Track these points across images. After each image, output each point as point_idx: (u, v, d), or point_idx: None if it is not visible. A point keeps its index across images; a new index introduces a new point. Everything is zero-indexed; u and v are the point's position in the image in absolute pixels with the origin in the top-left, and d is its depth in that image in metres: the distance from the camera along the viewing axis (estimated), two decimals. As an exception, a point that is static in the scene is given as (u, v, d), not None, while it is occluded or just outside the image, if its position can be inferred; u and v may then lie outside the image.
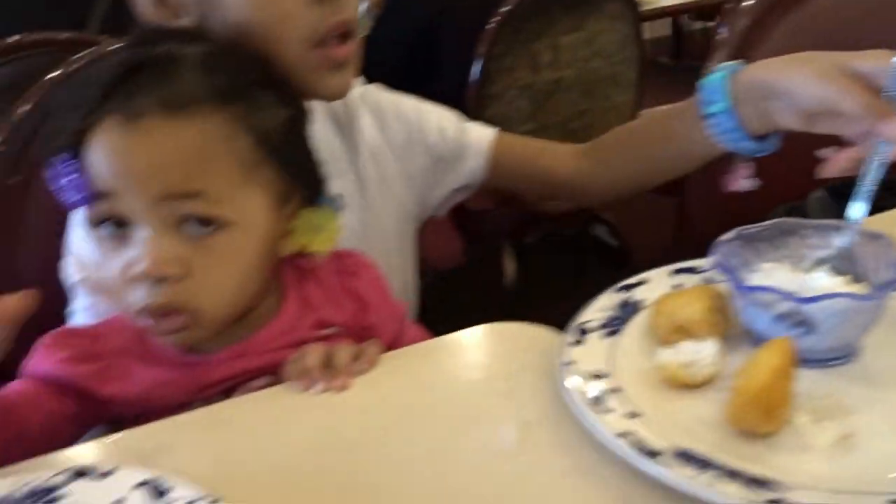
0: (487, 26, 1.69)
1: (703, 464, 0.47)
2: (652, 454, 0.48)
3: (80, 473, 0.53)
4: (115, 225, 0.61)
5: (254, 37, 0.69)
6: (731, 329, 0.62)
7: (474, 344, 0.70)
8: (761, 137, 0.76)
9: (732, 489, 0.44)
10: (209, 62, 0.63)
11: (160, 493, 0.50)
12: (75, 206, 0.61)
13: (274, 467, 0.56)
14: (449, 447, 0.56)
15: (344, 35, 0.73)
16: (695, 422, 0.53)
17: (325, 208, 0.70)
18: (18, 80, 1.43)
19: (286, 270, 0.74)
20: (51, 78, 0.98)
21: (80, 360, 0.66)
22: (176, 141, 0.59)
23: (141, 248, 0.60)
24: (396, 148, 0.92)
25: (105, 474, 0.53)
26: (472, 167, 0.93)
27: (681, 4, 2.90)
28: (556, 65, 1.85)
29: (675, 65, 5.33)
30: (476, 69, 1.74)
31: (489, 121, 1.84)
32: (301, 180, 0.68)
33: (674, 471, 0.46)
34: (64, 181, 0.60)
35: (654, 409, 0.54)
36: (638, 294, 0.68)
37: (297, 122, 0.69)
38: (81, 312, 0.83)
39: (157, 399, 0.66)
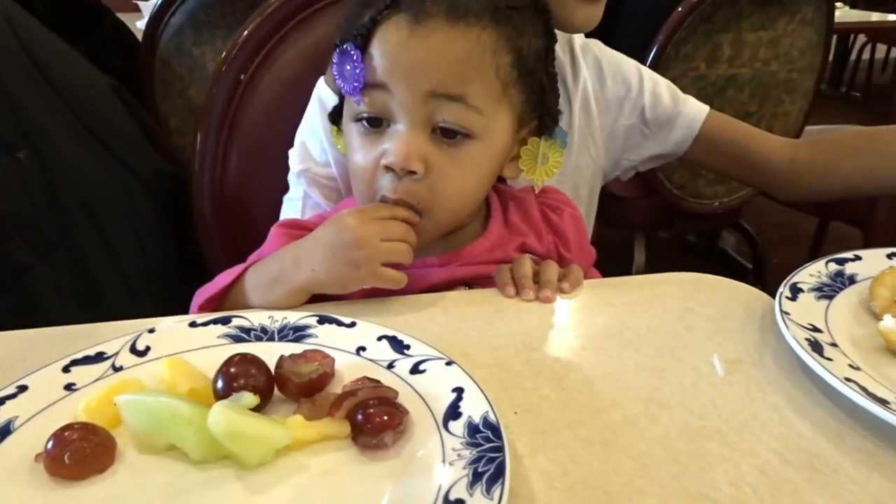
0: (676, 9, 1.67)
1: (932, 418, 0.48)
2: (881, 401, 0.49)
3: (327, 320, 0.60)
4: (374, 120, 0.67)
5: None
6: (952, 315, 0.61)
7: (677, 286, 0.72)
8: None
9: (970, 444, 0.45)
10: None
11: (401, 346, 0.56)
12: (351, 92, 0.66)
13: (495, 354, 0.60)
14: (659, 367, 0.58)
15: None
16: (915, 387, 0.53)
17: (553, 140, 0.74)
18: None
19: (493, 195, 0.79)
20: (272, 3, 1.07)
21: None
22: (453, 45, 0.64)
23: (395, 142, 0.66)
24: (608, 104, 0.95)
25: (350, 325, 0.59)
26: (678, 138, 0.95)
27: (876, 23, 2.72)
28: (734, 61, 1.81)
29: (833, 93, 5.08)
30: (653, 51, 1.73)
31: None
32: (540, 108, 0.72)
33: (905, 418, 0.47)
34: (346, 68, 0.66)
35: (874, 370, 0.55)
36: (852, 268, 0.68)
37: (549, 53, 0.72)
38: (296, 202, 0.91)
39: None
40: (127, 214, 1.07)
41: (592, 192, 0.99)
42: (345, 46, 0.65)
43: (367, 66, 0.65)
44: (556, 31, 0.74)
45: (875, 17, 2.71)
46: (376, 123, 0.67)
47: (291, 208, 0.92)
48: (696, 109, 0.95)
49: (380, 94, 0.66)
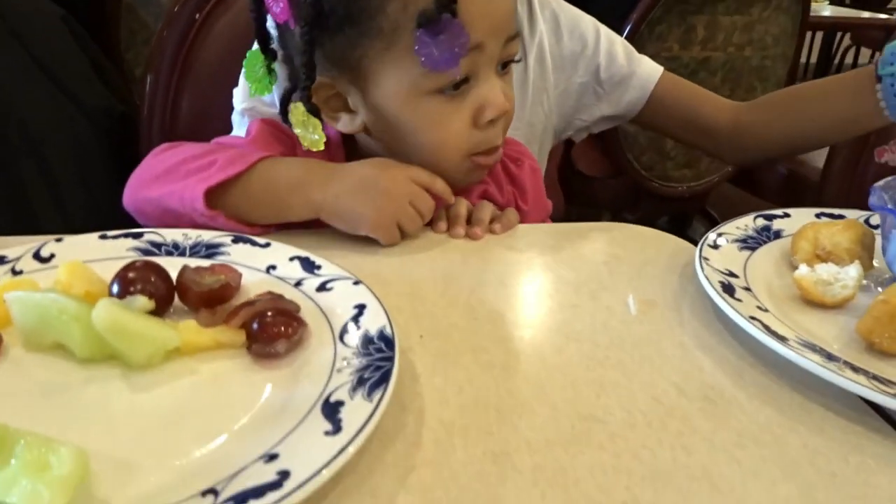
0: (651, -13, 1.66)
1: (828, 356, 0.48)
2: (780, 338, 0.49)
3: (242, 240, 0.59)
4: (459, 83, 0.64)
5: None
6: (870, 270, 0.62)
7: (607, 234, 0.72)
8: None
9: (861, 379, 0.45)
10: None
11: (312, 266, 0.55)
12: (448, 63, 0.61)
13: (412, 284, 0.60)
14: (577, 306, 0.58)
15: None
16: (821, 332, 0.54)
17: None
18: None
19: None
20: None
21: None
22: None
23: (492, 93, 0.65)
24: (563, 60, 0.94)
25: (265, 245, 0.58)
26: (631, 98, 0.94)
27: (852, 18, 2.72)
28: (708, 44, 1.81)
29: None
30: (627, 29, 1.73)
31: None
32: None
33: (802, 354, 0.47)
34: (441, 40, 0.60)
35: (782, 314, 0.55)
36: (779, 224, 0.68)
37: None
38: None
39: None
40: (71, 148, 1.05)
41: (542, 149, 0.98)
42: (442, 18, 0.59)
43: (465, 31, 0.60)
44: None
45: (865, 14, 2.70)
46: (459, 84, 0.65)
47: None
48: (649, 71, 0.95)
49: (471, 55, 0.63)
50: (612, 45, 0.95)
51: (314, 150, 0.68)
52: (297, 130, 0.68)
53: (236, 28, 1.07)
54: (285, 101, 0.69)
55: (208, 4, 1.06)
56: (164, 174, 0.66)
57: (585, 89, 0.96)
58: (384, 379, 0.41)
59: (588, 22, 0.95)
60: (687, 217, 2.72)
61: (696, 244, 0.69)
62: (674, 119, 0.97)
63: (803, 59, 4.63)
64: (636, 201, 2.09)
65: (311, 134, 0.67)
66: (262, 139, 0.72)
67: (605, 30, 0.96)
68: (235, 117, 0.90)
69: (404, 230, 0.66)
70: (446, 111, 0.66)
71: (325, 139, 0.67)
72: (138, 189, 0.68)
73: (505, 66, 0.68)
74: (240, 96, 0.88)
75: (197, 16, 1.06)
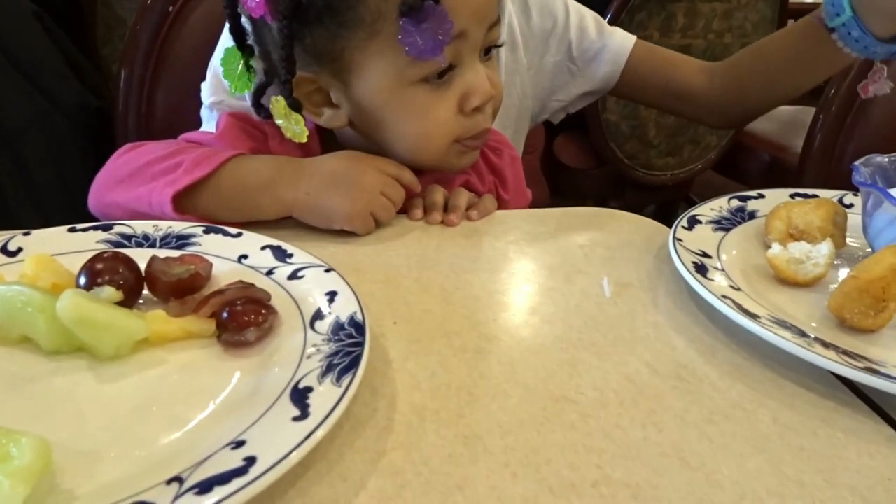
0: (629, -25, 1.66)
1: (800, 332, 0.48)
2: (752, 316, 0.49)
3: (213, 230, 0.58)
4: (444, 72, 0.64)
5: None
6: (843, 249, 0.62)
7: (582, 219, 0.72)
8: (892, 39, 0.75)
9: (831, 354, 0.45)
10: None
11: (284, 254, 0.55)
12: (433, 51, 0.60)
13: (386, 272, 0.60)
14: (552, 289, 0.58)
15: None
16: (793, 309, 0.54)
17: None
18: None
19: None
20: None
21: (260, 153, 0.70)
22: None
23: (477, 80, 0.65)
24: (533, 39, 0.93)
25: (236, 235, 0.58)
26: (605, 72, 0.93)
27: None
28: (688, 31, 1.81)
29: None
30: (608, 17, 1.73)
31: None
32: None
33: (773, 331, 0.47)
34: (424, 27, 0.59)
35: (755, 292, 0.55)
36: (753, 205, 0.68)
37: None
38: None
39: None
40: (46, 145, 1.04)
41: (518, 133, 0.98)
42: (423, 6, 0.58)
43: (448, 18, 0.60)
44: None
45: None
46: (444, 72, 0.64)
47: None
48: (621, 42, 0.94)
49: (454, 44, 0.62)
50: (583, 20, 0.94)
51: (297, 141, 0.67)
52: (279, 122, 0.67)
53: (211, 19, 1.06)
54: (258, 95, 0.68)
55: (182, -3, 1.05)
56: (129, 177, 0.65)
57: (559, 68, 0.95)
58: (354, 364, 0.41)
59: (566, 3, 0.94)
60: (672, 206, 2.74)
61: (652, 223, 0.69)
62: (650, 88, 0.96)
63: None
64: (621, 191, 2.10)
65: (293, 126, 0.66)
66: (231, 134, 0.71)
67: (574, 4, 0.95)
68: (204, 112, 0.89)
69: (378, 219, 0.66)
70: (432, 100, 0.65)
71: (307, 132, 0.66)
72: (104, 193, 0.67)
73: (488, 51, 0.68)
74: (208, 90, 0.87)
75: (170, 8, 1.05)
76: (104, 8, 1.62)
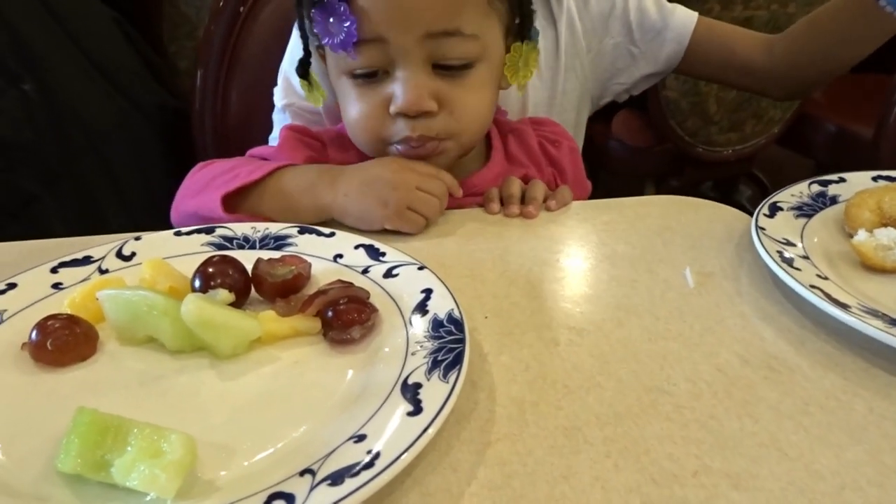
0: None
1: (892, 321, 0.49)
2: (842, 305, 0.50)
3: (307, 231, 0.61)
4: (371, 70, 0.66)
5: None
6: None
7: (659, 208, 0.72)
8: None
9: (925, 343, 0.46)
10: None
11: (376, 253, 0.57)
12: (343, 48, 0.64)
13: (471, 266, 0.62)
14: (635, 280, 0.59)
15: None
16: (883, 297, 0.54)
17: (530, 42, 0.73)
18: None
19: (492, 127, 0.79)
20: None
21: (315, 162, 0.74)
22: None
23: (402, 87, 0.65)
24: (593, 22, 0.93)
25: (329, 235, 0.61)
26: (669, 52, 0.92)
27: None
28: (750, 2, 1.77)
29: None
30: (666, -8, 1.70)
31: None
32: (520, 11, 0.72)
33: (864, 321, 0.48)
34: (331, 22, 0.64)
35: (842, 280, 0.55)
36: (834, 189, 0.68)
37: None
38: None
39: None
40: (129, 144, 1.09)
41: (580, 116, 0.98)
42: (327, 1, 0.63)
43: (358, 19, 0.63)
44: None
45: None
46: (372, 75, 0.67)
47: None
48: (684, 19, 0.92)
49: (374, 46, 0.64)
50: (642, 0, 0.93)
51: (315, 105, 0.76)
52: (303, 92, 0.75)
53: (280, 17, 1.09)
54: (299, 68, 0.75)
55: (251, -3, 1.08)
56: (199, 191, 0.70)
57: (620, 51, 0.94)
58: (457, 360, 0.44)
59: None
60: (732, 181, 2.68)
61: (742, 208, 0.69)
62: (713, 64, 0.94)
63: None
64: (681, 168, 2.07)
65: (313, 93, 0.75)
66: (289, 145, 0.75)
67: None
68: (277, 115, 0.93)
69: (421, 213, 0.67)
70: (358, 94, 0.68)
71: (325, 96, 0.75)
72: (180, 207, 0.72)
73: (447, 68, 0.66)
74: (280, 94, 0.91)
75: (241, 8, 1.08)
76: (169, 6, 1.67)
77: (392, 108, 0.66)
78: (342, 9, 0.63)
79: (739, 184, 2.79)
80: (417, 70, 0.65)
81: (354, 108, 0.69)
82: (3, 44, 1.00)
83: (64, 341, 0.47)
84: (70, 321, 0.48)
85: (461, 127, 0.68)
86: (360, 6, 0.63)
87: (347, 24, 0.63)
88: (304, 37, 0.74)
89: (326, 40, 0.65)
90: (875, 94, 2.19)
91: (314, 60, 0.76)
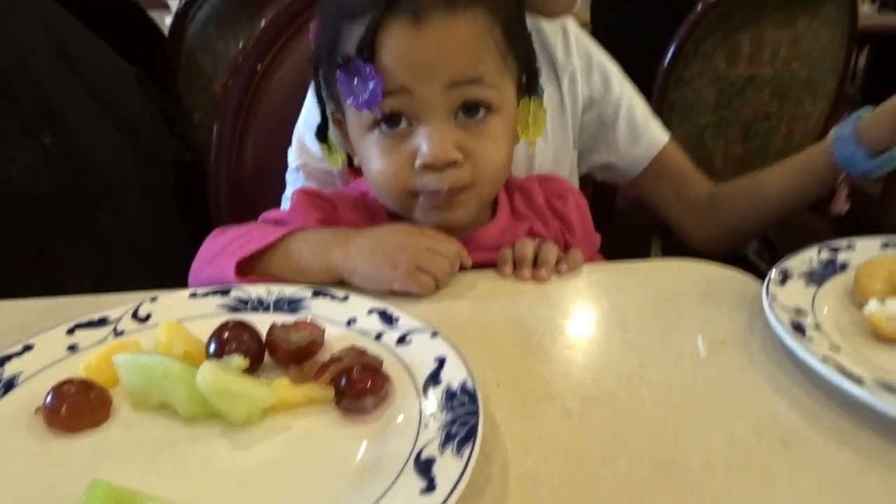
0: (695, 7, 1.67)
1: (907, 398, 0.48)
2: (856, 379, 0.49)
3: (321, 293, 0.62)
4: (394, 121, 0.67)
5: None
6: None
7: (669, 272, 0.73)
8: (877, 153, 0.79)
9: (939, 420, 0.45)
10: None
11: (389, 318, 0.58)
12: (368, 105, 0.65)
13: (484, 331, 0.62)
14: (644, 346, 0.59)
15: None
16: (895, 367, 0.54)
17: (537, 98, 0.75)
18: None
19: None
20: None
21: (327, 224, 0.76)
22: (460, 32, 0.65)
23: (428, 139, 0.66)
24: (590, 93, 0.96)
25: (343, 298, 0.61)
26: (637, 155, 0.96)
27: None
28: (754, 60, 1.80)
29: (862, 99, 4.99)
30: (672, 49, 1.73)
31: (672, 105, 1.83)
32: (527, 70, 0.74)
33: (879, 396, 0.47)
34: (356, 83, 0.65)
35: (855, 351, 0.55)
36: (844, 256, 0.68)
37: (523, 14, 0.74)
38: None
39: None
40: (145, 198, 1.11)
41: (573, 165, 0.99)
42: (351, 63, 0.64)
43: (382, 75, 0.64)
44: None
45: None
46: (395, 123, 0.68)
47: None
48: (658, 133, 0.97)
49: (399, 98, 0.66)
50: (634, 98, 0.98)
51: (334, 167, 0.78)
52: (318, 153, 0.78)
53: (297, 73, 1.12)
54: (319, 132, 0.77)
55: (269, 54, 1.11)
56: (213, 257, 0.71)
57: (602, 130, 0.98)
58: (471, 434, 0.44)
59: (616, 72, 0.98)
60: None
61: (749, 262, 0.70)
62: (666, 189, 0.98)
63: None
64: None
65: (332, 156, 0.77)
66: (301, 208, 0.77)
67: (628, 85, 0.99)
68: (290, 175, 0.94)
69: (432, 273, 0.67)
70: (384, 148, 0.69)
71: (343, 157, 0.77)
72: (198, 273, 0.73)
73: (470, 112, 0.68)
74: (294, 154, 0.92)
75: (259, 66, 1.11)
76: (187, 59, 1.71)
77: (418, 162, 0.67)
78: (367, 70, 0.64)
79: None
80: (440, 122, 0.67)
81: (379, 163, 0.70)
82: (26, 98, 1.03)
83: (78, 407, 0.47)
84: (85, 386, 0.49)
85: (483, 176, 0.69)
86: (384, 65, 0.64)
87: (372, 83, 0.64)
88: (321, 102, 0.76)
89: (351, 100, 0.66)
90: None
91: (330, 125, 0.78)
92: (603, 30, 2.10)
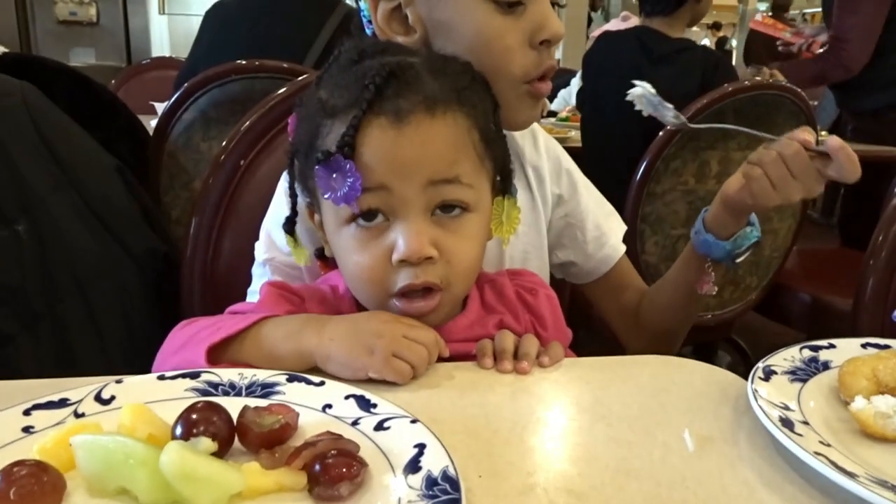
0: (665, 127, 1.74)
1: (903, 494, 0.47)
2: (850, 475, 0.48)
3: (296, 379, 0.60)
4: (371, 215, 0.68)
5: (473, 63, 0.76)
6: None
7: (651, 367, 0.72)
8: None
9: (940, 517, 0.44)
10: (435, 69, 0.70)
11: (367, 404, 0.56)
12: (348, 201, 0.66)
13: (465, 423, 0.60)
14: (632, 443, 0.57)
15: (546, 75, 0.84)
16: (888, 467, 0.52)
17: (511, 197, 0.77)
18: (242, 96, 1.65)
19: None
20: (275, 97, 1.13)
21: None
22: (439, 134, 0.67)
23: (405, 235, 0.66)
24: (559, 192, 1.00)
25: (319, 384, 0.59)
26: (602, 257, 1.01)
27: (858, 152, 2.74)
28: (722, 177, 1.87)
29: (826, 222, 5.19)
30: (643, 165, 1.80)
31: (644, 218, 1.88)
32: (502, 170, 0.76)
33: (875, 492, 0.46)
34: (334, 177, 0.66)
35: (844, 447, 0.54)
36: (826, 355, 0.68)
37: (498, 119, 0.76)
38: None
39: None
40: (115, 291, 1.08)
41: (544, 264, 1.00)
42: (332, 158, 0.65)
43: (361, 172, 0.65)
44: None
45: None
46: (372, 218, 0.68)
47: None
48: (619, 243, 1.03)
49: (377, 195, 0.67)
50: (603, 204, 1.04)
51: (300, 263, 0.79)
52: (285, 248, 0.80)
53: (278, 170, 1.12)
54: (286, 226, 0.78)
55: (252, 152, 1.13)
56: (181, 347, 0.70)
57: (569, 229, 1.01)
58: (453, 522, 0.41)
59: (582, 176, 1.03)
60: (712, 346, 2.70)
61: (724, 373, 0.69)
62: (610, 295, 1.04)
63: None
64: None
65: (296, 249, 0.78)
66: (270, 300, 0.76)
67: (595, 190, 1.05)
68: (257, 269, 0.93)
69: (408, 361, 0.65)
70: (361, 240, 0.69)
71: (307, 254, 0.79)
72: (163, 363, 0.71)
73: (447, 210, 0.69)
74: (261, 248, 0.92)
75: (241, 162, 1.12)
76: (169, 158, 1.73)
77: (395, 257, 0.67)
78: (347, 166, 0.65)
79: (718, 349, 2.81)
80: (418, 218, 0.67)
81: (356, 257, 0.69)
82: (2, 184, 1.02)
83: (29, 490, 0.44)
84: (37, 468, 0.45)
85: (456, 274, 0.69)
86: (364, 162, 0.65)
87: (351, 179, 0.65)
88: (294, 195, 0.77)
89: (329, 195, 0.66)
90: (843, 265, 2.27)
91: (300, 220, 0.78)
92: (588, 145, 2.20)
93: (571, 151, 1.06)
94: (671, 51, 2.00)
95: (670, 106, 0.84)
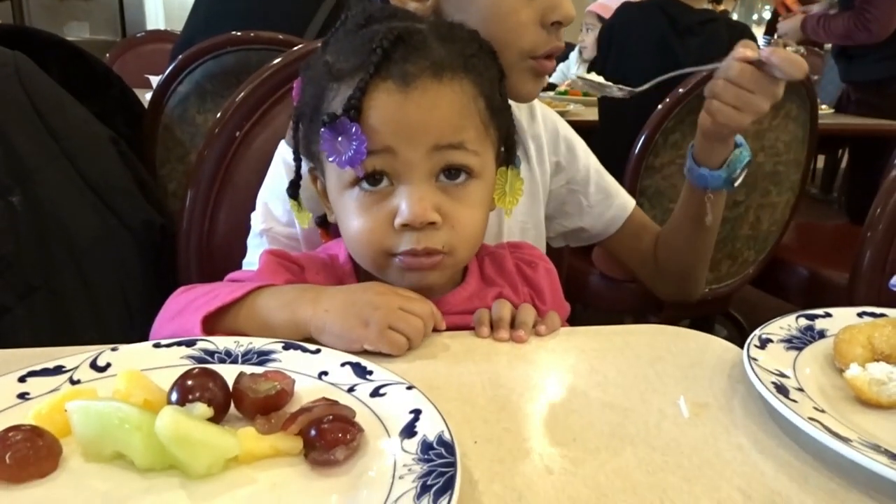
0: (664, 101, 1.73)
1: (893, 456, 0.47)
2: (844, 440, 0.48)
3: (292, 346, 0.60)
4: (375, 179, 0.68)
5: (481, 33, 0.76)
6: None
7: (647, 336, 0.72)
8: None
9: (932, 480, 0.44)
10: (442, 35, 0.70)
11: (363, 371, 0.56)
12: (353, 163, 0.66)
13: (460, 390, 0.60)
14: (628, 409, 0.58)
15: (552, 54, 0.85)
16: (882, 432, 0.53)
17: (514, 168, 0.77)
18: (237, 68, 1.63)
19: None
20: (269, 67, 1.12)
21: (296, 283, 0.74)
22: (445, 99, 0.66)
23: (408, 199, 0.66)
24: (558, 161, 1.01)
25: (315, 352, 0.59)
26: (610, 218, 1.04)
27: (858, 125, 2.75)
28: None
29: (825, 197, 5.18)
30: (643, 137, 1.79)
31: (642, 191, 1.88)
32: (506, 140, 0.76)
33: (868, 456, 0.46)
34: (340, 141, 0.65)
35: (839, 413, 0.54)
36: (822, 324, 0.68)
37: (504, 88, 0.76)
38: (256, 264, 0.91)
39: None
40: (111, 262, 1.08)
41: (541, 235, 1.02)
42: (337, 121, 0.65)
43: (367, 135, 0.65)
44: None
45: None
46: (377, 182, 0.68)
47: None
48: (627, 197, 1.05)
49: (382, 158, 0.66)
50: (600, 166, 1.05)
51: (302, 226, 0.80)
52: (281, 218, 0.82)
53: (274, 142, 1.12)
54: (291, 189, 0.78)
55: (247, 123, 1.12)
56: (178, 314, 0.69)
57: (573, 197, 1.03)
58: (448, 485, 0.41)
59: (582, 143, 1.04)
60: (709, 320, 2.71)
61: (720, 342, 0.69)
62: (636, 249, 1.07)
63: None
64: (659, 306, 2.09)
65: (300, 213, 0.79)
66: (270, 269, 0.75)
67: (593, 156, 1.06)
68: (254, 239, 0.92)
69: (403, 333, 0.65)
70: (364, 204, 0.69)
71: (311, 217, 0.79)
72: (160, 330, 0.71)
73: (451, 175, 0.69)
74: (258, 219, 0.91)
75: (237, 133, 1.11)
76: (165, 131, 1.72)
77: (397, 221, 0.67)
78: (353, 129, 0.64)
79: (715, 323, 2.82)
80: (422, 183, 0.67)
81: (358, 221, 0.69)
82: (-4, 157, 1.01)
83: (24, 455, 0.44)
84: (33, 433, 0.45)
85: (460, 241, 0.69)
86: (370, 125, 0.65)
87: (357, 142, 0.65)
88: (298, 159, 0.76)
89: (334, 158, 0.66)
90: (842, 240, 2.27)
91: (301, 187, 0.78)
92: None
93: (572, 124, 1.07)
94: (696, 22, 1.98)
95: (611, 84, 0.92)
